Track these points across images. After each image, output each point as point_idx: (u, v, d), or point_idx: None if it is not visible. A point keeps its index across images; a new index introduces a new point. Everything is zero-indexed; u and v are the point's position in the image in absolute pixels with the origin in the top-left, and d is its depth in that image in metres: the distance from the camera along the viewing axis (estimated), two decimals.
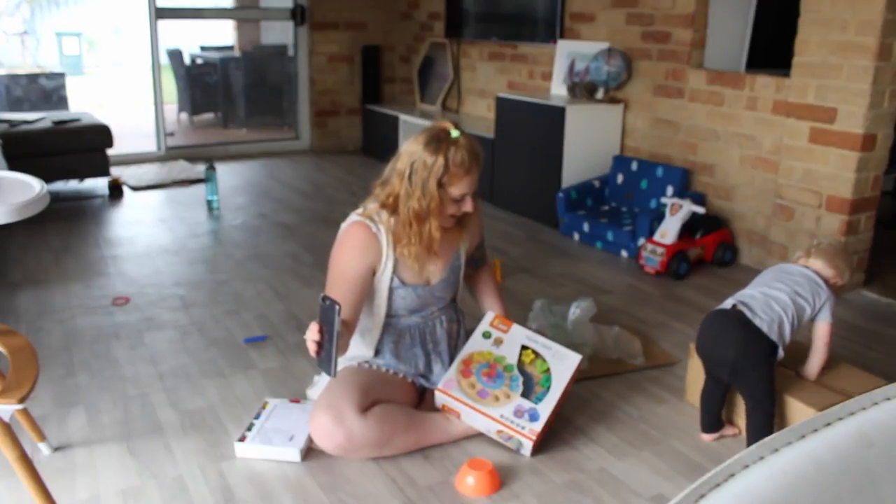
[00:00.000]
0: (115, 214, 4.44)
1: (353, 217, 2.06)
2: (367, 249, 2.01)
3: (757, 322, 1.98)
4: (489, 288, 2.35)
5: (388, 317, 2.12)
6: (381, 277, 2.05)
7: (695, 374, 2.30)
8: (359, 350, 2.14)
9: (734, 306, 2.05)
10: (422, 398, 2.19)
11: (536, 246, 3.94)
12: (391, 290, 2.07)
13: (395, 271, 2.05)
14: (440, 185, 1.94)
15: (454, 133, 1.94)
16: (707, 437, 2.12)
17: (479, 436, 2.09)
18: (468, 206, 2.02)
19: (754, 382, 1.99)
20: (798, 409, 2.06)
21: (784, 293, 2.04)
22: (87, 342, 2.70)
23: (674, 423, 2.22)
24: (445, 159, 1.91)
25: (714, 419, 2.12)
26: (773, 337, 1.98)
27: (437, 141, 1.93)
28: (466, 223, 2.13)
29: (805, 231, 3.31)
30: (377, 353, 2.14)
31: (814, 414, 2.01)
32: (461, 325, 2.26)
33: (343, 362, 2.14)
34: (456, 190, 1.96)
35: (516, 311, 2.90)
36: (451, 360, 2.18)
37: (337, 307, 1.70)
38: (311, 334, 1.76)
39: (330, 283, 2.03)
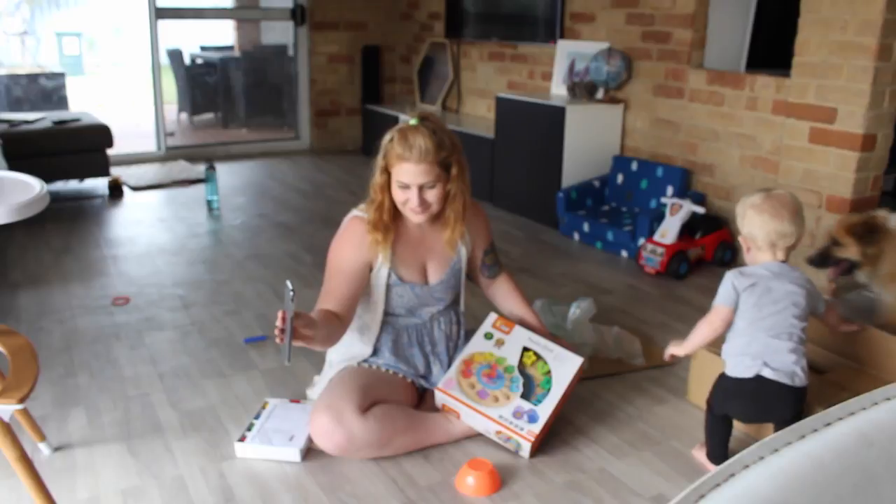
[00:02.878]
0: (115, 214, 4.44)
1: (354, 212, 2.10)
2: (363, 244, 2.03)
3: (798, 382, 1.87)
4: (514, 296, 2.31)
5: (387, 315, 2.13)
6: (378, 273, 2.06)
7: (696, 374, 2.31)
8: (357, 348, 2.14)
9: (768, 379, 1.86)
10: (421, 398, 2.19)
11: (536, 246, 3.94)
12: (388, 287, 2.08)
13: (392, 267, 2.06)
14: (386, 164, 1.98)
15: (412, 121, 1.97)
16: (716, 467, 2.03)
17: (480, 436, 2.09)
18: (412, 202, 1.97)
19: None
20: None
21: (796, 320, 1.90)
22: (87, 342, 2.70)
23: (674, 423, 2.22)
24: (391, 139, 1.96)
25: (726, 449, 2.00)
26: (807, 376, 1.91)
27: (399, 125, 1.99)
28: (448, 223, 2.09)
29: (805, 231, 3.30)
30: (376, 352, 2.14)
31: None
32: (461, 328, 2.26)
33: (343, 362, 2.15)
34: (396, 174, 1.96)
35: None
36: (450, 362, 2.19)
37: (291, 293, 1.68)
38: (278, 321, 1.74)
39: (327, 275, 2.06)
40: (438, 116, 2.07)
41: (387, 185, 2.00)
